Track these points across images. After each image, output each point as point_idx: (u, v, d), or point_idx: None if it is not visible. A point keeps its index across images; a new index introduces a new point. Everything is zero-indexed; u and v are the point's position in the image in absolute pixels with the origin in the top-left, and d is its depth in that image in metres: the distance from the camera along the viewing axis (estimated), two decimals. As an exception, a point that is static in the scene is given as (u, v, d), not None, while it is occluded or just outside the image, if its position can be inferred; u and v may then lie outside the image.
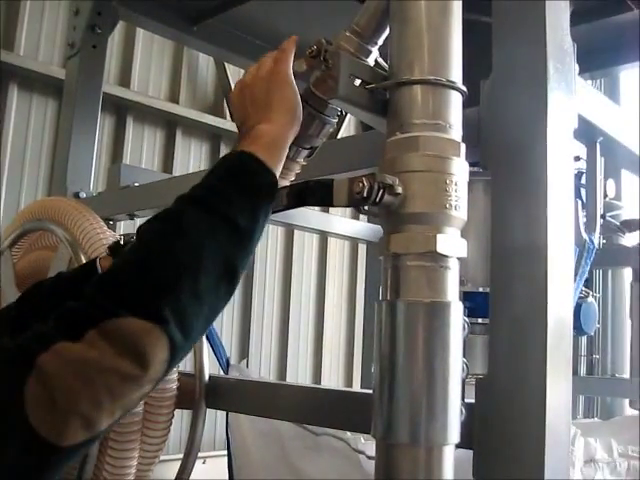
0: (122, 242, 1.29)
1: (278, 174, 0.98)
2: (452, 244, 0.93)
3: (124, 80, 4.28)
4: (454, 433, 0.90)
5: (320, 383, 5.22)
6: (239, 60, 2.76)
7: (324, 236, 4.98)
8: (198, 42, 2.60)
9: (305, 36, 1.10)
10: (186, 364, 1.50)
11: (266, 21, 2.45)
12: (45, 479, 0.78)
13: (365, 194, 0.90)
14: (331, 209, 5.32)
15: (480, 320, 1.45)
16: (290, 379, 5.07)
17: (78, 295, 0.87)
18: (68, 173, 2.19)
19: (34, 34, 3.87)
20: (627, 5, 2.06)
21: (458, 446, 0.94)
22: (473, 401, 1.02)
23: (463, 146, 0.96)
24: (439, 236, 0.91)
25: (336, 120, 1.16)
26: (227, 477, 1.99)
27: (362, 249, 4.90)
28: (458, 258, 0.95)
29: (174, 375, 1.47)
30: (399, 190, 0.91)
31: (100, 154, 4.03)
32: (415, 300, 0.91)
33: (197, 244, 0.85)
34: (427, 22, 0.99)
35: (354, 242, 4.92)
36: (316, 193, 0.94)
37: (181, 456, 1.52)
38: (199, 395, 1.48)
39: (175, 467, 1.48)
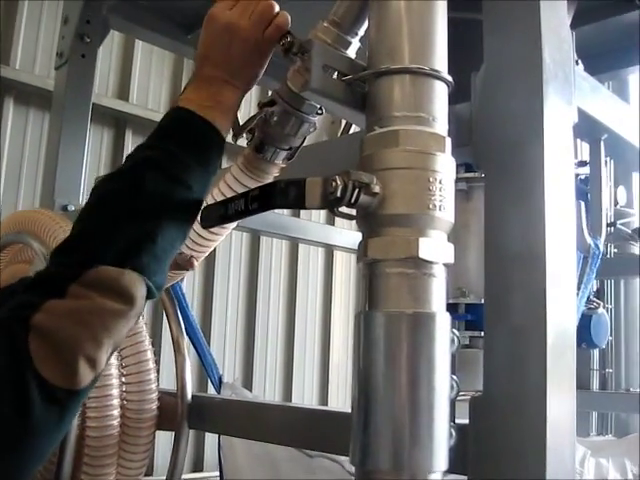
0: None
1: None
2: (436, 249, 0.84)
3: (123, 93, 4.24)
4: (441, 459, 0.81)
5: (327, 400, 5.13)
6: (236, 69, 2.69)
7: (329, 249, 4.91)
8: (193, 51, 2.52)
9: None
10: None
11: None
12: (68, 422, 0.86)
13: (339, 194, 0.81)
14: (337, 220, 5.26)
15: (483, 333, 1.37)
16: (296, 396, 4.99)
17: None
18: (56, 186, 2.12)
19: (30, 47, 3.85)
20: (633, 4, 1.97)
21: (451, 472, 0.85)
22: (466, 422, 0.93)
23: (449, 141, 0.87)
24: (422, 240, 0.82)
25: (316, 118, 1.08)
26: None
27: (368, 262, 4.81)
28: (445, 265, 0.86)
29: (154, 394, 1.39)
30: (377, 189, 0.82)
31: (99, 168, 3.98)
32: (396, 311, 0.82)
33: (155, 207, 0.91)
34: (407, 7, 0.90)
35: (360, 255, 4.84)
36: (287, 194, 0.85)
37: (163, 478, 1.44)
38: (181, 416, 1.40)
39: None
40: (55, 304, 0.82)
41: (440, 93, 0.90)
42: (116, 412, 1.32)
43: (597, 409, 3.16)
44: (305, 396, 5.07)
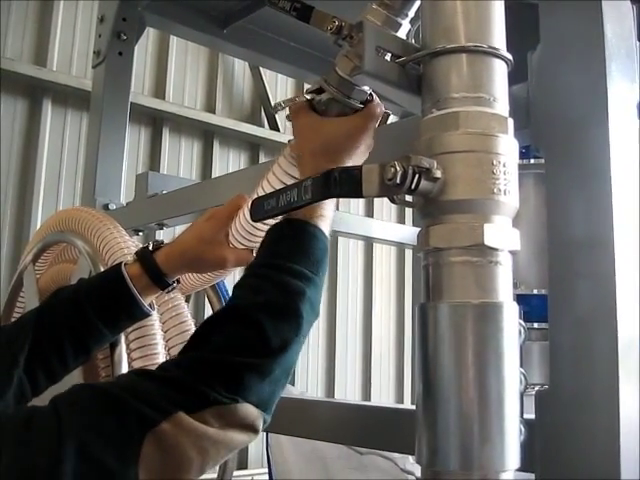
0: (151, 248, 1.19)
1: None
2: (502, 235, 0.80)
3: (159, 91, 4.26)
4: (513, 457, 0.77)
5: (370, 397, 5.10)
6: (272, 63, 2.69)
7: (369, 242, 4.87)
8: (229, 46, 2.51)
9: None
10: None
11: (297, 21, 2.34)
12: None
13: (398, 180, 0.77)
14: (376, 213, 5.23)
15: (536, 325, 1.32)
16: (338, 392, 4.96)
17: (114, 314, 1.15)
18: (97, 185, 2.12)
19: (67, 49, 3.87)
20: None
21: (517, 469, 0.81)
22: (533, 417, 0.90)
23: (511, 121, 0.83)
24: (487, 226, 0.78)
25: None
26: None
27: (409, 254, 4.77)
28: (510, 252, 0.81)
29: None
30: (438, 174, 0.78)
31: (137, 167, 4.00)
32: (462, 302, 0.78)
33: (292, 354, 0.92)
34: (463, -16, 0.86)
35: (400, 248, 4.80)
36: (342, 183, 0.82)
37: (214, 476, 1.42)
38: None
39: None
40: (184, 419, 0.82)
41: (499, 72, 0.86)
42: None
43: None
44: (348, 391, 5.04)
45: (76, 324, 1.13)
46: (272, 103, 4.78)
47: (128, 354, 1.29)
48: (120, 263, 1.18)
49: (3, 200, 3.72)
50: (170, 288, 1.20)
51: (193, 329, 1.38)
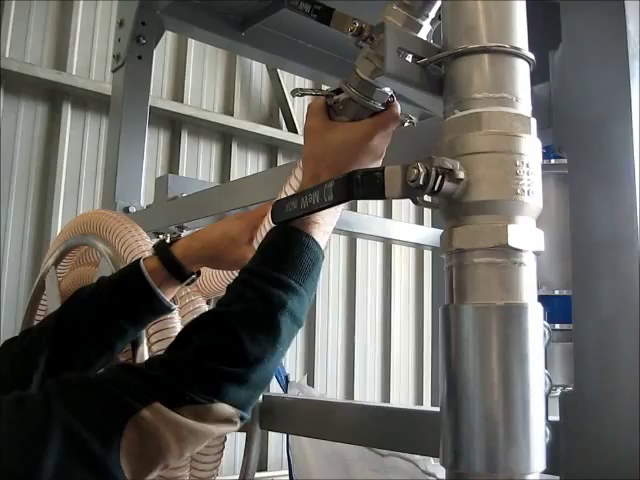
0: (168, 241, 1.21)
1: None
2: (526, 236, 0.79)
3: (177, 95, 4.28)
4: (538, 459, 0.76)
5: (389, 399, 5.10)
6: (290, 65, 2.69)
7: (388, 244, 4.87)
8: (247, 48, 2.52)
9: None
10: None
11: (315, 23, 2.34)
12: None
13: (421, 182, 0.76)
14: (394, 214, 5.22)
15: (558, 326, 1.31)
16: (358, 393, 4.96)
17: (135, 309, 1.16)
18: (117, 188, 2.14)
19: (86, 53, 3.91)
20: None
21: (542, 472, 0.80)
22: (557, 418, 0.89)
23: (534, 121, 0.82)
24: (510, 227, 0.77)
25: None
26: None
27: (427, 255, 4.76)
28: (534, 252, 0.81)
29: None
30: (461, 175, 0.77)
31: (156, 170, 4.02)
32: (486, 303, 0.77)
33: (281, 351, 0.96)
34: (484, -16, 0.85)
35: (419, 249, 4.80)
36: (365, 185, 0.81)
37: (235, 477, 1.42)
38: (252, 416, 1.37)
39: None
40: (162, 409, 0.87)
41: (522, 72, 0.85)
42: (188, 413, 1.30)
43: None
44: (367, 392, 5.04)
45: (97, 322, 1.14)
46: (290, 105, 4.79)
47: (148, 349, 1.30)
48: (139, 258, 1.20)
49: (24, 204, 3.76)
50: (189, 280, 1.20)
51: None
